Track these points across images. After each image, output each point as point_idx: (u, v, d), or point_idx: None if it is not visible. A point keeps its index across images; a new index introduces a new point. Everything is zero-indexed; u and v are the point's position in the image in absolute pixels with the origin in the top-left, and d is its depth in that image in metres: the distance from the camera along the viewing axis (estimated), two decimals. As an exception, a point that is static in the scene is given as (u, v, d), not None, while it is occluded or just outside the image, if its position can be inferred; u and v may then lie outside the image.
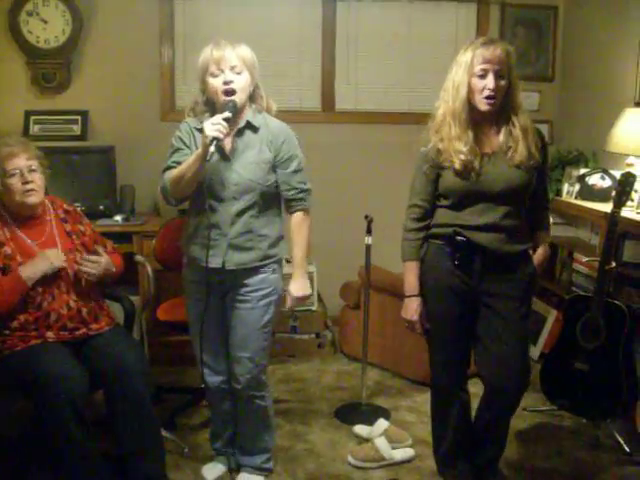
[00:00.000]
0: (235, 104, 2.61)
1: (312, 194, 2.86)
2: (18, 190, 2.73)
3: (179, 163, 2.69)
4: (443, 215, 2.68)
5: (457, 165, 2.55)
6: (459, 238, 2.61)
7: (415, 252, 2.73)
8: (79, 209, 3.11)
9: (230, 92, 2.62)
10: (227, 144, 2.71)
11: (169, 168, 2.74)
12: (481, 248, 2.60)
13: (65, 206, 3.00)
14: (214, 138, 2.50)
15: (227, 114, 2.57)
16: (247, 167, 2.70)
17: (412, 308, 2.75)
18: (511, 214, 2.61)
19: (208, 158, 2.52)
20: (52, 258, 2.74)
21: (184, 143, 2.76)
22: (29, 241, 2.79)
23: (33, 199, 2.77)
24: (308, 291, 2.88)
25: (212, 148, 2.50)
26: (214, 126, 2.51)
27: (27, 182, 2.73)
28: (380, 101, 4.94)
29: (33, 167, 2.78)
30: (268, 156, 2.73)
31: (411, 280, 2.75)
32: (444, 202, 2.67)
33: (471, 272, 2.65)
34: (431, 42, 4.89)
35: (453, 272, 2.66)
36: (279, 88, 4.62)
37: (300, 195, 2.80)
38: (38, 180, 2.79)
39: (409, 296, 2.76)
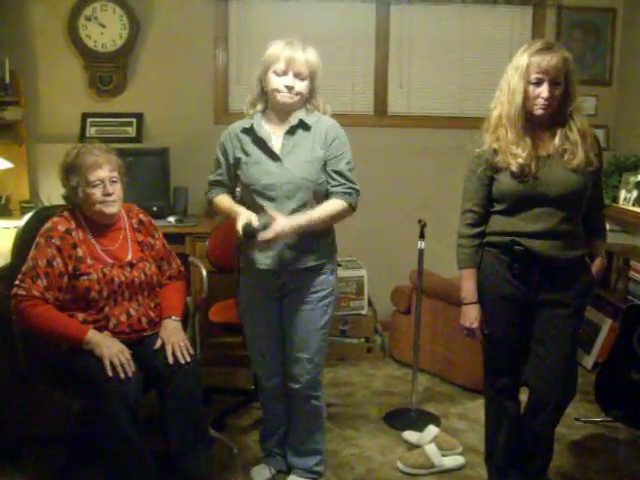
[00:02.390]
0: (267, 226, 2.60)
1: (360, 196, 2.79)
2: (98, 200, 2.75)
3: (219, 182, 2.85)
4: (498, 222, 2.63)
5: (514, 167, 2.51)
6: (517, 248, 2.57)
7: (472, 259, 2.68)
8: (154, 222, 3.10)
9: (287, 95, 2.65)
10: (276, 144, 2.72)
11: (213, 183, 2.87)
12: (539, 256, 2.56)
13: (141, 216, 3.00)
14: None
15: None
16: (299, 165, 2.70)
17: (472, 315, 2.70)
18: (567, 219, 2.56)
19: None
20: (116, 351, 2.62)
21: (225, 152, 2.81)
22: (100, 247, 2.82)
23: (112, 210, 2.79)
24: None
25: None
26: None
27: (108, 194, 2.76)
28: (433, 105, 4.90)
29: (114, 178, 2.79)
30: (319, 154, 2.72)
31: (469, 287, 2.70)
32: (498, 207, 2.63)
33: (529, 281, 2.60)
34: (485, 46, 4.84)
35: (510, 281, 2.62)
36: (332, 91, 4.62)
37: (347, 190, 2.73)
38: (118, 191, 2.81)
39: (467, 304, 2.71)
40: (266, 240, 2.58)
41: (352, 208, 2.75)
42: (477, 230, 2.67)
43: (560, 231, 2.55)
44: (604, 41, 4.89)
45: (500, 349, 2.74)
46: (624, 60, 4.87)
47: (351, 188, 2.74)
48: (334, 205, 2.72)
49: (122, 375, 2.56)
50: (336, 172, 2.73)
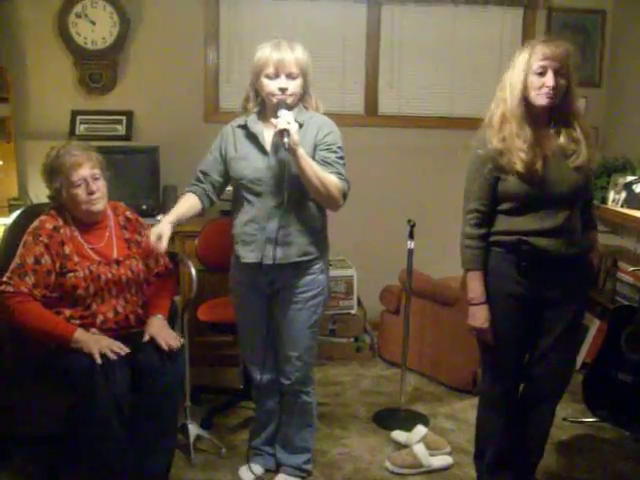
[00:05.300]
0: (288, 105, 2.64)
1: (350, 190, 2.75)
2: (83, 200, 2.75)
3: (203, 174, 2.86)
4: (504, 221, 2.62)
5: (519, 168, 2.48)
6: (524, 247, 2.56)
7: (478, 260, 2.64)
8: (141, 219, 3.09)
9: (282, 97, 2.65)
10: (267, 140, 2.73)
11: (196, 177, 2.89)
12: (546, 254, 2.56)
13: (127, 213, 3.00)
14: (283, 130, 2.52)
15: (285, 112, 2.59)
16: (286, 161, 2.67)
17: (482, 316, 2.66)
18: (571, 217, 2.57)
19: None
20: (105, 344, 2.62)
21: (220, 144, 2.84)
22: (87, 245, 2.81)
23: (98, 207, 2.79)
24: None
25: (286, 139, 2.51)
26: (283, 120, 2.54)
27: (92, 192, 2.75)
28: (423, 105, 4.90)
29: (96, 176, 2.78)
30: (309, 149, 2.68)
31: (477, 288, 2.66)
32: (504, 207, 2.61)
33: (535, 280, 2.60)
34: (476, 47, 4.84)
35: (516, 280, 2.61)
36: (322, 91, 4.53)
37: (339, 177, 2.69)
38: (102, 188, 2.80)
39: (476, 304, 2.67)
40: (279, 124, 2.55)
41: (343, 194, 2.71)
42: (483, 230, 2.64)
43: (565, 228, 2.56)
44: (594, 43, 4.91)
45: (506, 348, 2.71)
46: (613, 62, 4.89)
47: (343, 177, 2.71)
48: (331, 176, 2.67)
49: (113, 356, 2.57)
50: (326, 161, 2.69)
